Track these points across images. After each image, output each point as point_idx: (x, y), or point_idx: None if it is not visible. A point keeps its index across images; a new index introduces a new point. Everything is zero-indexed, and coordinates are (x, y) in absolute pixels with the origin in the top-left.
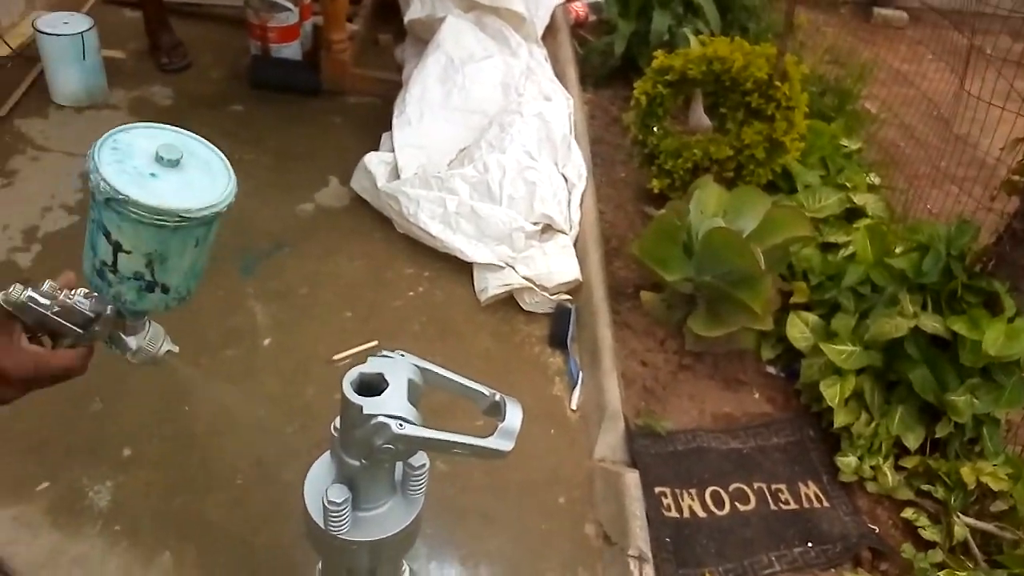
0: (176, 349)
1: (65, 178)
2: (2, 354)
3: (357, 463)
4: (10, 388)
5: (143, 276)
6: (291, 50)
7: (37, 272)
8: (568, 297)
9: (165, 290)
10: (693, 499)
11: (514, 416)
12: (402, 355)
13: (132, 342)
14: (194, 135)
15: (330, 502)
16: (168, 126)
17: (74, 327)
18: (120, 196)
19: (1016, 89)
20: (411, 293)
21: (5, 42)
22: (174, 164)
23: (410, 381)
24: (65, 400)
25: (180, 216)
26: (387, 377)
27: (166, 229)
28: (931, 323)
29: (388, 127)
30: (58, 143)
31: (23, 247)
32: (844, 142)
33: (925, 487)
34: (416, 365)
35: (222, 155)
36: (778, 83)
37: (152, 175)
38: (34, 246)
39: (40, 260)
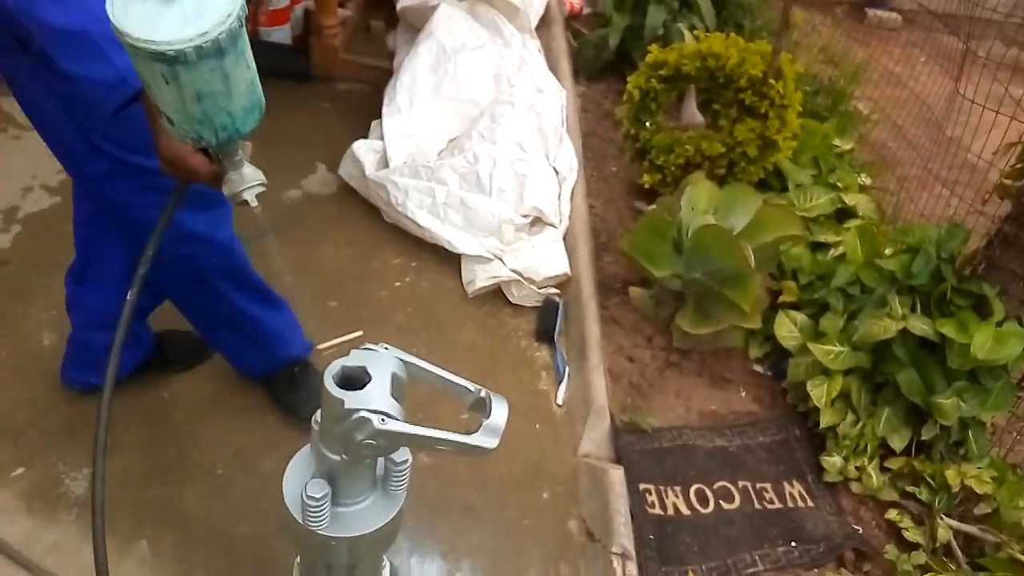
0: (254, 203)
1: (47, 158)
2: (160, 137)
3: (337, 458)
4: (164, 164)
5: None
6: (281, 34)
7: (17, 253)
8: (556, 291)
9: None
10: (678, 496)
11: (499, 413)
12: (386, 348)
13: (230, 175)
14: None
15: (309, 497)
16: None
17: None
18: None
19: (1010, 93)
20: (397, 283)
21: None
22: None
23: (394, 375)
24: (42, 385)
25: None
26: (370, 371)
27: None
28: (920, 325)
29: (378, 115)
30: None
31: (2, 228)
32: (836, 142)
33: (910, 489)
34: (400, 359)
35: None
36: (772, 81)
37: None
38: (14, 227)
39: (19, 241)
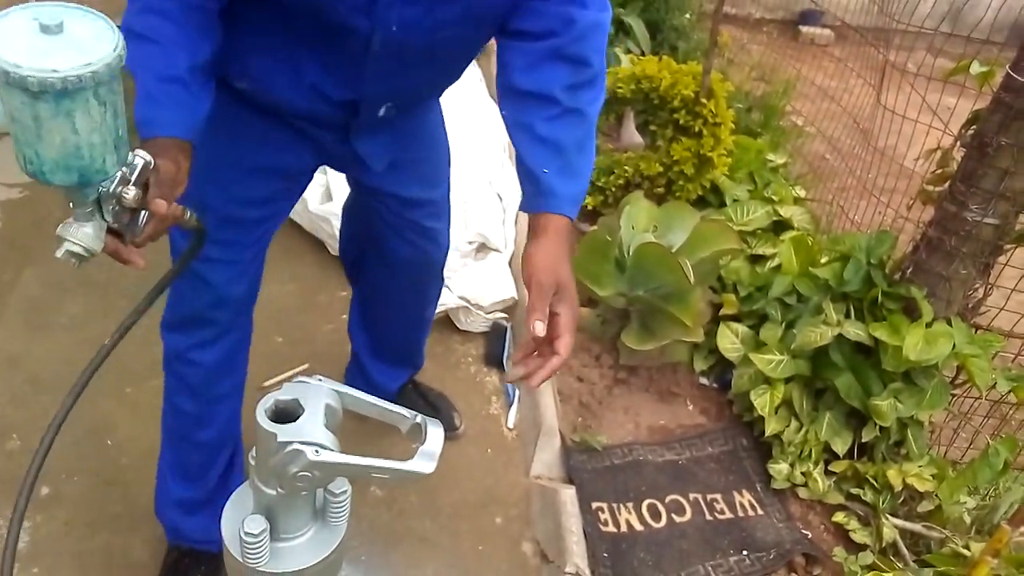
0: (59, 255)
1: None
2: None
3: (274, 492)
4: None
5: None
6: None
7: None
8: (504, 315)
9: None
10: (630, 512)
11: (435, 437)
12: (319, 380)
13: (69, 220)
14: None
15: (247, 533)
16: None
17: None
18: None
19: (928, 102)
20: (344, 316)
21: None
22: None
23: (327, 406)
24: None
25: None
26: (303, 403)
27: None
28: (854, 330)
29: None
30: None
31: None
32: (771, 156)
33: (854, 491)
34: (334, 390)
35: (112, 26)
36: (704, 100)
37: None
38: None
39: None
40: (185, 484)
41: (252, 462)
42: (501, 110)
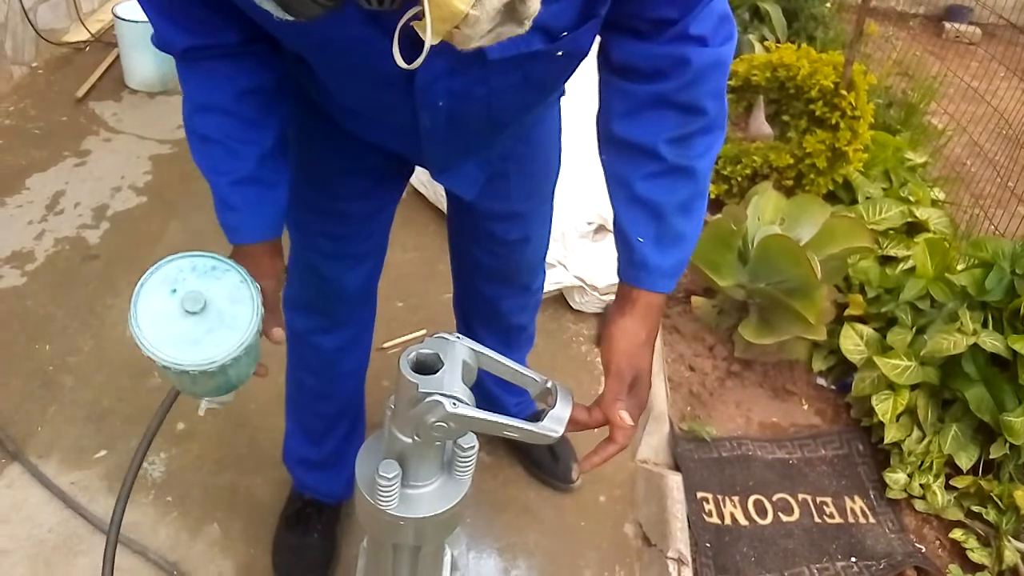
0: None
1: (135, 160)
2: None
3: (409, 440)
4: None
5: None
6: None
7: (105, 248)
8: None
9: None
10: (735, 506)
11: (564, 403)
12: (458, 337)
13: None
14: (227, 264)
15: (381, 476)
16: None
17: None
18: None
19: None
20: None
21: (85, 27)
22: (197, 312)
23: (464, 363)
24: (125, 373)
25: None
26: (443, 358)
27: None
28: (991, 341)
29: None
30: (130, 126)
31: (92, 224)
32: (909, 155)
33: (976, 508)
34: (471, 348)
35: (254, 290)
36: (844, 92)
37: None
38: (103, 224)
39: (107, 237)
40: (308, 446)
41: (388, 411)
42: (600, 155)
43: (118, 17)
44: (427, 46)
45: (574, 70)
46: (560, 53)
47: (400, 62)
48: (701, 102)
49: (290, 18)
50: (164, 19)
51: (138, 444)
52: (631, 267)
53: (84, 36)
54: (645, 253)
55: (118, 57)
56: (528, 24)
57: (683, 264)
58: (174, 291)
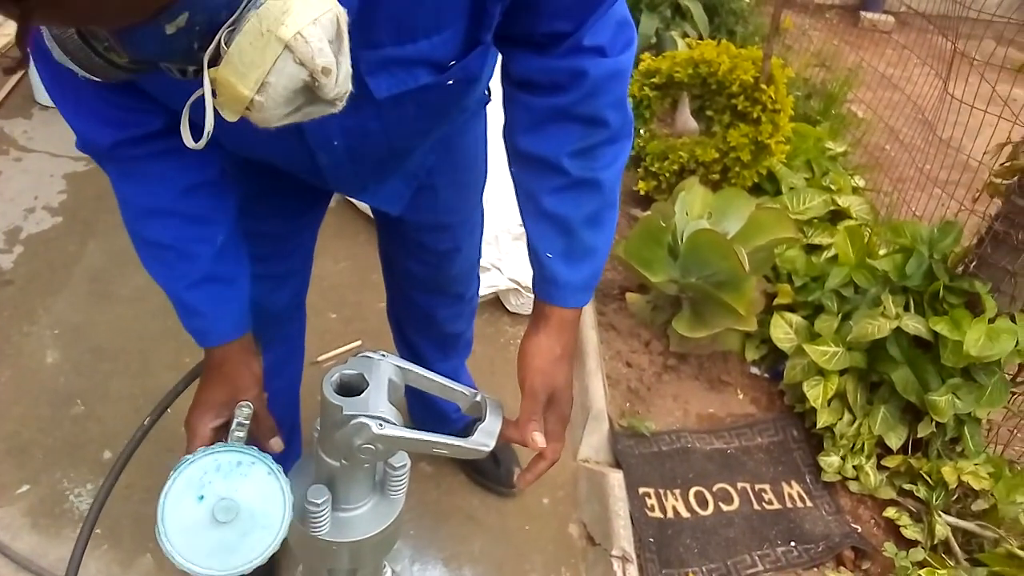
0: None
1: (48, 179)
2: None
3: (337, 463)
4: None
5: None
6: None
7: (20, 273)
8: None
9: None
10: (677, 499)
11: (495, 416)
12: (383, 355)
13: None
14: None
15: (310, 502)
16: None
17: None
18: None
19: (998, 92)
20: None
21: None
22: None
23: (390, 381)
24: (46, 403)
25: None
26: (368, 377)
27: None
28: (913, 324)
29: None
30: (42, 143)
31: (5, 248)
32: (829, 145)
33: (907, 486)
34: (397, 365)
35: (283, 482)
36: (764, 86)
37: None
38: (16, 248)
39: (22, 261)
40: None
41: (316, 434)
42: (509, 168)
43: None
44: (208, 128)
45: (473, 92)
46: (451, 82)
47: (189, 142)
48: (602, 113)
49: (95, 78)
50: (82, 117)
51: (105, 478)
52: (543, 282)
53: None
54: (555, 268)
55: (26, 73)
56: (340, 104)
57: (595, 277)
58: (201, 497)
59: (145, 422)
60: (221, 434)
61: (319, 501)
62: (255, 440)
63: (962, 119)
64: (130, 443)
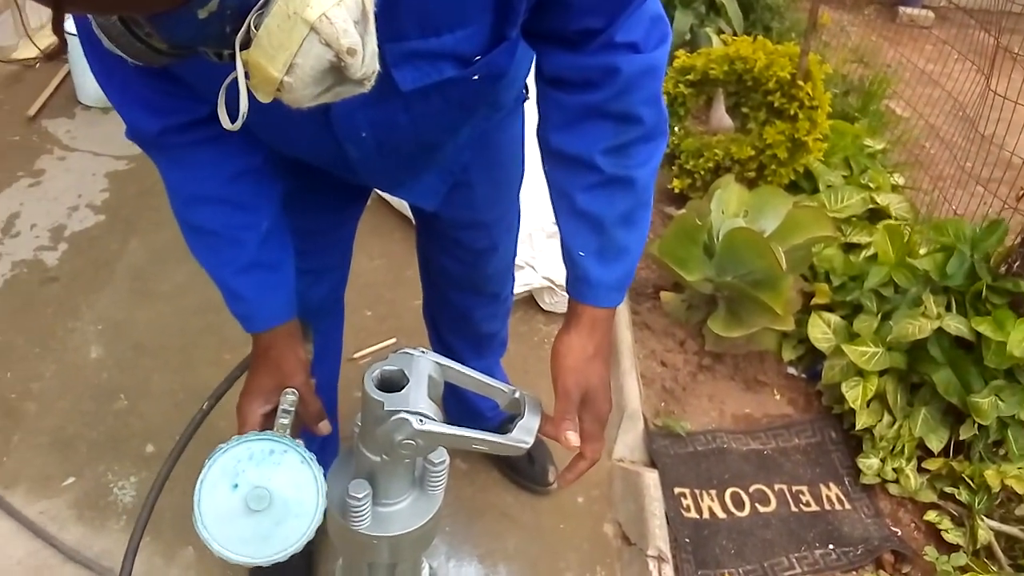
0: None
1: (91, 178)
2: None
3: (378, 458)
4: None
5: None
6: None
7: (64, 270)
8: None
9: None
10: (713, 500)
11: (533, 413)
12: (423, 352)
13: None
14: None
15: (351, 496)
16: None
17: None
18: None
19: None
20: None
21: (34, 43)
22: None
23: (430, 378)
24: (90, 398)
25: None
26: (408, 374)
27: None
28: (955, 324)
29: None
30: (84, 143)
31: (50, 246)
32: (868, 142)
33: (948, 490)
34: (437, 362)
35: (316, 470)
36: (801, 83)
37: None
38: (61, 245)
39: (66, 259)
40: None
41: (356, 429)
42: (543, 167)
43: (68, 32)
44: (243, 110)
45: (500, 88)
46: (476, 77)
47: (225, 122)
48: (636, 110)
49: (140, 63)
50: (130, 105)
51: (157, 472)
52: (576, 281)
53: (34, 53)
54: (587, 267)
55: (69, 73)
56: (369, 84)
57: (628, 277)
58: (236, 486)
59: (204, 405)
60: (271, 420)
61: (360, 495)
62: (303, 425)
63: (1005, 115)
64: (181, 438)
